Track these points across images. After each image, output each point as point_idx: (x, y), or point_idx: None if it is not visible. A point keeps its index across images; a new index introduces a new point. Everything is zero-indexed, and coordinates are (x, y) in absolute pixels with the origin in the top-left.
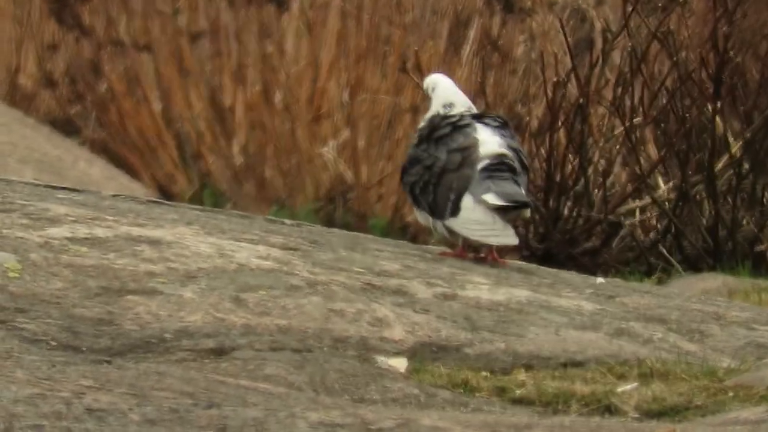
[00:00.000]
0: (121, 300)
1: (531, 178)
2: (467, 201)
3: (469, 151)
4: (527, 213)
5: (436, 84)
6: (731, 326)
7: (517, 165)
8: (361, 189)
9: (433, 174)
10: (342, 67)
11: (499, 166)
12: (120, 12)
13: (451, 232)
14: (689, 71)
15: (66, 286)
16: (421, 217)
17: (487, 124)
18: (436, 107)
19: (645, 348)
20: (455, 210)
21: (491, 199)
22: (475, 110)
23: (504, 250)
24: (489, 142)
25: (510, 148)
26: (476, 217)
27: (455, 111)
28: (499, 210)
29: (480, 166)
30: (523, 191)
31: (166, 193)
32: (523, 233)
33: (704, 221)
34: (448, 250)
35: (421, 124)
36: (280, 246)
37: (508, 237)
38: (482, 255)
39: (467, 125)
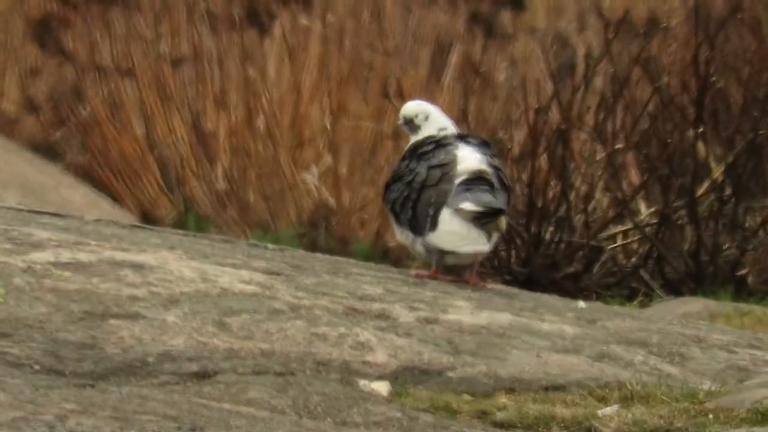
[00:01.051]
0: (105, 324)
1: (512, 200)
2: (445, 214)
3: (448, 167)
4: (503, 224)
5: (428, 112)
6: (712, 349)
7: (495, 181)
8: (343, 214)
9: (413, 189)
10: (324, 93)
11: (476, 181)
12: (102, 37)
13: (428, 249)
14: (671, 96)
15: (49, 311)
16: (402, 236)
17: (469, 143)
18: (429, 131)
19: (626, 371)
20: (434, 224)
21: (467, 206)
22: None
23: (485, 274)
24: (469, 158)
25: (490, 165)
26: (452, 228)
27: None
28: (475, 219)
29: (458, 180)
30: (500, 202)
31: (149, 218)
32: (505, 258)
33: (686, 246)
34: (423, 272)
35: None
36: (263, 270)
37: (480, 245)
38: (465, 278)
39: (449, 143)
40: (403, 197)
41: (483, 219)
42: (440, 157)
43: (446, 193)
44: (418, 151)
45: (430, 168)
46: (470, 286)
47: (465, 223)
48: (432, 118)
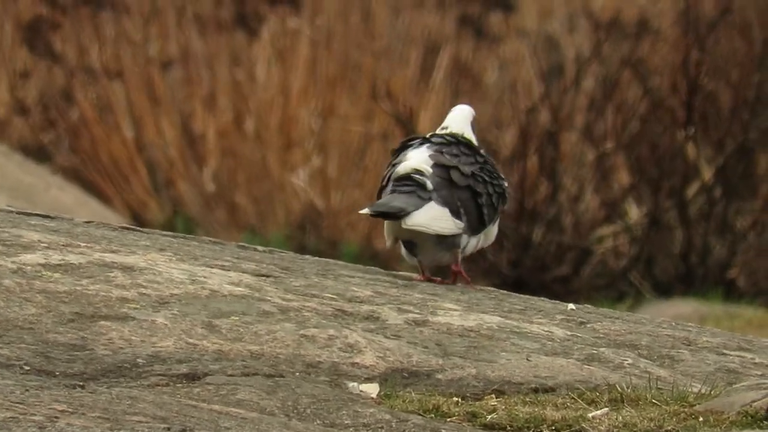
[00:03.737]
0: (94, 325)
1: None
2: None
3: (391, 169)
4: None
5: (453, 110)
6: (702, 351)
7: (430, 182)
8: (332, 216)
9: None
10: (313, 95)
11: (405, 182)
12: (91, 40)
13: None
14: (661, 98)
15: (39, 312)
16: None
17: (432, 143)
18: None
19: (616, 373)
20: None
21: (366, 210)
22: (462, 134)
23: (475, 276)
24: (410, 159)
25: (438, 165)
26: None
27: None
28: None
29: (390, 186)
30: (409, 203)
31: (139, 220)
32: (494, 260)
33: (676, 248)
34: (416, 276)
35: None
36: (252, 272)
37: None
38: (448, 280)
39: (411, 145)
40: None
41: (384, 219)
42: (397, 158)
43: (385, 195)
44: (394, 154)
45: (388, 167)
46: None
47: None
48: (450, 115)
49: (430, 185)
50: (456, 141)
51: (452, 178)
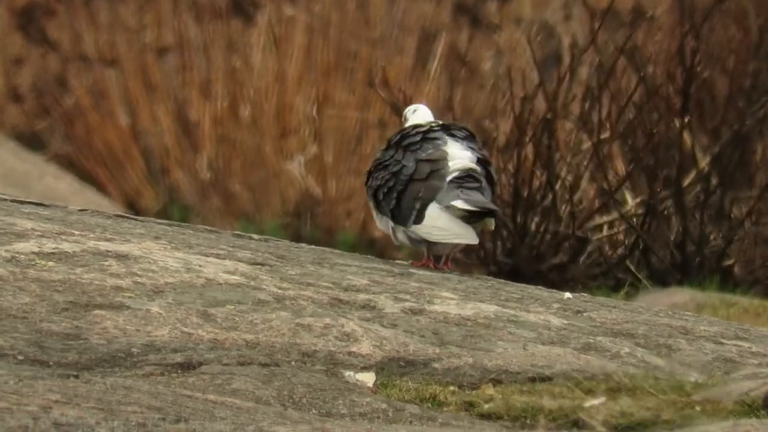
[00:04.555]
0: (89, 314)
1: (498, 192)
2: (432, 209)
3: (439, 164)
4: (492, 225)
5: (417, 108)
6: (699, 341)
7: (483, 179)
8: (328, 204)
9: (399, 181)
10: (309, 82)
11: (467, 179)
12: (87, 27)
13: (411, 238)
14: (657, 86)
15: (33, 301)
16: (381, 223)
17: (454, 136)
18: (415, 121)
19: (613, 363)
20: (419, 218)
21: (460, 204)
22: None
23: (469, 265)
24: (459, 156)
25: (479, 161)
26: (439, 224)
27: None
28: (464, 217)
29: (449, 178)
30: (490, 202)
31: (134, 208)
32: (490, 249)
33: (672, 236)
34: (417, 261)
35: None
36: (247, 261)
37: (469, 238)
38: (440, 265)
39: (437, 137)
40: (387, 187)
41: (473, 218)
42: (429, 151)
43: (437, 189)
44: (404, 142)
45: (419, 162)
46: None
47: (454, 219)
48: (419, 112)
49: (484, 183)
50: (472, 135)
51: (490, 174)
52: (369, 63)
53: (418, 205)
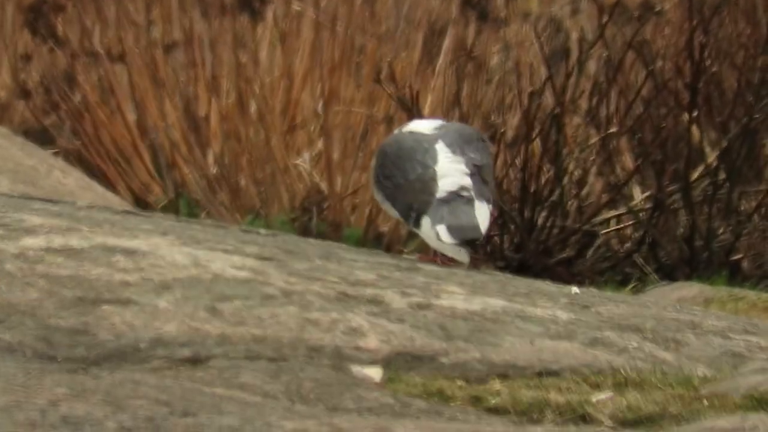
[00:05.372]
0: (97, 310)
1: (506, 187)
2: (426, 222)
3: (428, 182)
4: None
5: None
6: (707, 335)
7: (473, 192)
8: (335, 199)
9: (397, 185)
10: (316, 78)
11: (456, 197)
12: (94, 22)
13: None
14: (665, 80)
15: (41, 297)
16: (391, 212)
17: (448, 144)
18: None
19: (620, 357)
20: (417, 224)
21: (443, 235)
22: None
23: (478, 261)
24: (451, 174)
25: (472, 166)
26: (431, 237)
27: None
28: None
29: (438, 196)
30: (478, 219)
31: (141, 203)
32: (498, 243)
33: (680, 231)
34: (424, 256)
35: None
36: (255, 256)
37: (459, 256)
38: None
39: (428, 148)
40: (388, 186)
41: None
42: (418, 171)
43: (427, 204)
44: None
45: (413, 172)
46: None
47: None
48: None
49: (475, 194)
50: (479, 135)
51: (485, 178)
52: (376, 58)
53: (414, 215)
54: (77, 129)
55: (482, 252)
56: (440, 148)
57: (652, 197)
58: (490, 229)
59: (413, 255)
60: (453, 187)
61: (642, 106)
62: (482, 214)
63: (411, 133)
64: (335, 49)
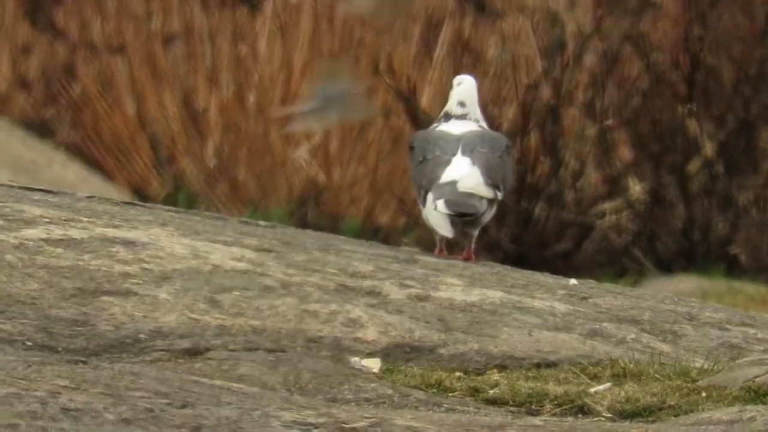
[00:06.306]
0: (96, 301)
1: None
2: (429, 198)
3: (441, 165)
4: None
5: (461, 81)
6: (704, 327)
7: (484, 194)
8: (333, 191)
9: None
10: (314, 70)
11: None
12: (93, 14)
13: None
14: (662, 73)
15: (41, 287)
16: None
17: (465, 148)
18: (451, 103)
19: (618, 348)
20: (424, 203)
21: (441, 206)
22: (479, 116)
23: (477, 251)
24: (465, 177)
25: (485, 171)
26: (431, 216)
27: (464, 111)
28: (449, 215)
29: (443, 180)
30: (478, 205)
31: (141, 195)
32: (496, 235)
33: (677, 223)
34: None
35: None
36: (254, 247)
37: (446, 231)
38: (463, 256)
39: (446, 162)
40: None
41: (457, 220)
42: (435, 153)
43: (432, 183)
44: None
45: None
46: (463, 260)
47: (442, 216)
48: (459, 87)
49: (486, 195)
50: (489, 139)
51: (498, 183)
52: (374, 50)
53: (422, 192)
54: (77, 121)
55: (480, 244)
56: (460, 146)
57: (650, 190)
58: (487, 213)
59: (412, 247)
60: (456, 177)
61: (639, 99)
62: (479, 191)
63: (441, 131)
64: (334, 41)
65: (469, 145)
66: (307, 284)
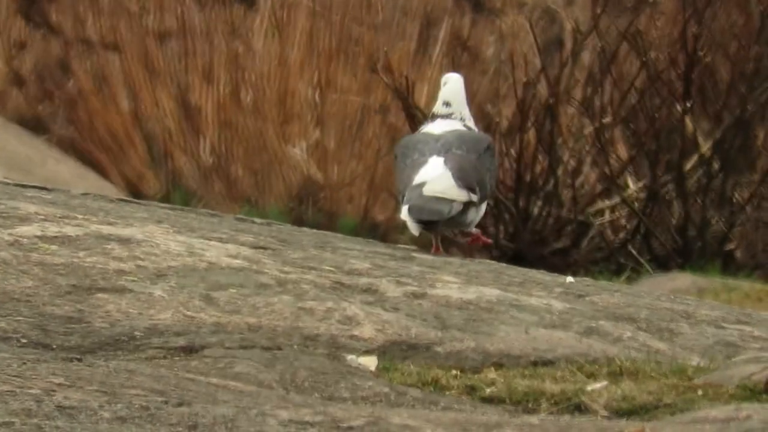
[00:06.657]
0: (91, 298)
1: (501, 178)
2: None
3: (414, 168)
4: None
5: (447, 80)
6: (701, 325)
7: (455, 196)
8: (330, 189)
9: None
10: (311, 67)
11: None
12: (88, 11)
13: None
14: (659, 71)
15: (36, 284)
16: None
17: (440, 149)
18: (437, 103)
19: (614, 347)
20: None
21: (404, 214)
22: (466, 114)
23: (474, 250)
24: (434, 181)
25: (457, 173)
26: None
27: (449, 111)
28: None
29: (415, 182)
30: (444, 209)
31: (136, 192)
32: (493, 233)
33: (674, 221)
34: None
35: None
36: (250, 245)
37: (412, 229)
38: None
39: (422, 162)
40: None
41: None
42: (414, 156)
43: (405, 188)
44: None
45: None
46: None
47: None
48: (445, 87)
49: (460, 197)
50: (468, 139)
51: (472, 185)
52: (371, 48)
53: (400, 197)
54: (71, 117)
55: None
56: (438, 146)
57: (646, 187)
58: (464, 215)
59: (408, 245)
60: (426, 179)
61: (636, 97)
62: (449, 194)
63: (424, 133)
64: (331, 39)
65: (445, 146)
66: (303, 282)
